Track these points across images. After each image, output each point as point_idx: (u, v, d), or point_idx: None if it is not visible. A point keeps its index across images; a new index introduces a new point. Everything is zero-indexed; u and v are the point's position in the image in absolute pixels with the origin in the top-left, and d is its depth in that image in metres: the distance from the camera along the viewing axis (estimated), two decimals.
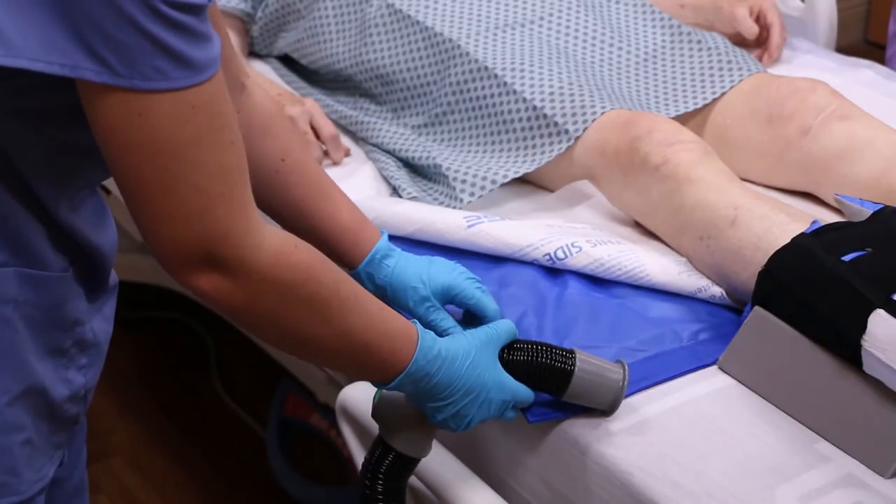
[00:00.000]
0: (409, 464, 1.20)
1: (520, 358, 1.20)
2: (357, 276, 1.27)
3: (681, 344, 1.35)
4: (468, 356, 1.13)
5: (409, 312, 1.27)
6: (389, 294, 1.27)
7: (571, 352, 1.21)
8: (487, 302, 1.28)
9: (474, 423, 1.16)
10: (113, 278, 1.11)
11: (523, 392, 1.18)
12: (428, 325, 1.26)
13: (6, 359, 0.98)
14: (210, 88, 0.90)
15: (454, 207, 1.58)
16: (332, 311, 1.02)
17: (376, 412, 1.19)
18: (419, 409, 1.16)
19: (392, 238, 1.51)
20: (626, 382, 1.21)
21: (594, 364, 1.21)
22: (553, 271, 1.45)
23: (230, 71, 1.17)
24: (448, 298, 1.28)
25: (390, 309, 1.09)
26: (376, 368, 1.08)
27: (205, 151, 0.91)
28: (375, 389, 1.19)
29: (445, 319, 1.27)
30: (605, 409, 1.23)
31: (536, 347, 1.20)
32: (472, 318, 1.30)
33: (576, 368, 1.20)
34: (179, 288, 2.40)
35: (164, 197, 0.91)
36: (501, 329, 1.18)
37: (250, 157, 1.19)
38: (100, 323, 1.08)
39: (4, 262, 0.96)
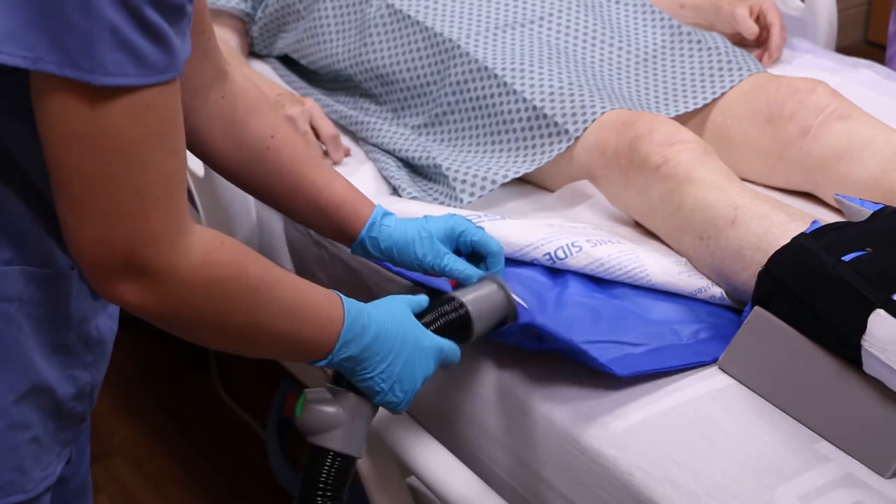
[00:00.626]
0: (347, 465, 1.17)
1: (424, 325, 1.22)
2: (361, 245, 1.29)
3: (681, 342, 1.35)
4: (392, 312, 1.14)
5: (419, 266, 1.29)
6: (396, 254, 1.28)
7: (452, 297, 1.24)
8: (489, 239, 1.31)
9: (417, 386, 1.16)
10: None
11: (447, 344, 1.19)
12: (442, 271, 1.28)
13: (11, 357, 0.98)
14: (166, 92, 0.89)
15: (454, 207, 1.58)
16: (264, 296, 1.01)
17: (304, 420, 1.16)
18: (347, 402, 1.16)
19: None
20: (507, 289, 1.25)
21: (474, 293, 1.25)
22: (553, 271, 1.45)
23: (213, 60, 1.17)
24: (452, 241, 1.30)
25: (310, 282, 1.09)
26: (314, 342, 1.08)
27: (151, 153, 0.89)
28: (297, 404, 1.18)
29: (458, 262, 1.28)
30: (508, 321, 1.26)
31: (429, 312, 1.22)
32: (475, 260, 1.32)
33: (468, 308, 1.24)
34: None
35: (101, 195, 0.89)
36: (413, 298, 1.20)
37: (240, 139, 1.21)
38: (105, 321, 1.08)
39: (9, 260, 0.97)
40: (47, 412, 1.02)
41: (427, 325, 1.20)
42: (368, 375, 1.12)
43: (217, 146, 1.21)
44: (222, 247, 0.98)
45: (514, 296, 1.27)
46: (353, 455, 1.17)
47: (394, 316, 1.14)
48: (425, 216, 1.31)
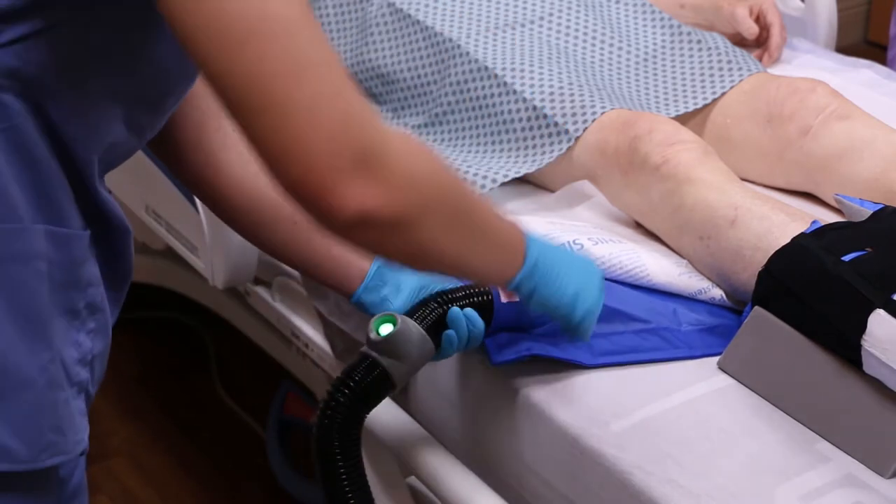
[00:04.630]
0: (385, 385, 1.22)
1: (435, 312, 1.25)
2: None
3: (679, 328, 1.36)
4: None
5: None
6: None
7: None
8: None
9: (596, 306, 1.19)
10: (129, 267, 1.11)
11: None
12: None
13: (44, 315, 0.98)
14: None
15: None
16: (468, 195, 0.98)
17: (387, 342, 1.21)
18: (423, 351, 1.22)
19: None
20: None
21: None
22: None
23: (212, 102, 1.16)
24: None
25: None
26: (512, 250, 1.09)
27: (315, 30, 0.84)
28: (377, 319, 1.22)
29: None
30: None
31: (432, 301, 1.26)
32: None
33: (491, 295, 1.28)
34: (180, 288, 2.40)
35: (300, 79, 0.82)
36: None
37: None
38: (108, 293, 1.08)
39: (35, 219, 0.96)
40: (64, 375, 1.02)
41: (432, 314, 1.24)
42: (557, 284, 1.13)
43: (237, 173, 1.20)
44: (418, 140, 0.94)
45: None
46: (391, 377, 1.22)
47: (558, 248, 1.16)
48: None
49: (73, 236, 1.00)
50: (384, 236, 0.90)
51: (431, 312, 1.25)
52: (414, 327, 1.23)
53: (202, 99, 1.15)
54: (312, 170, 0.83)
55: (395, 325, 1.22)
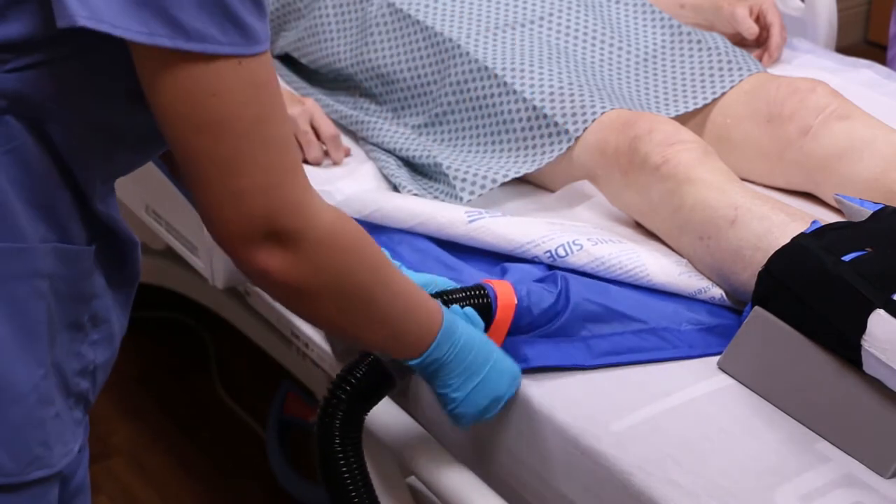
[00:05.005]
0: (385, 382, 1.24)
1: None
2: None
3: (678, 328, 1.36)
4: (478, 332, 1.19)
5: None
6: None
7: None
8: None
9: (487, 405, 1.20)
10: (136, 272, 1.13)
11: (518, 372, 1.24)
12: None
13: (40, 333, 1.00)
14: (267, 63, 0.93)
15: (454, 203, 1.58)
16: (382, 276, 1.07)
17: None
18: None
19: (392, 232, 1.51)
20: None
21: None
22: (554, 269, 1.45)
23: None
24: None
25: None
26: (415, 334, 1.13)
27: (270, 127, 0.93)
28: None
29: None
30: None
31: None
32: None
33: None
34: (180, 288, 2.40)
35: (233, 176, 0.93)
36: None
37: None
38: (110, 303, 1.08)
39: (45, 237, 0.99)
40: (61, 388, 1.03)
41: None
42: (448, 383, 1.17)
43: None
44: (348, 219, 1.04)
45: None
46: (392, 376, 1.24)
47: (478, 336, 1.19)
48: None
49: (77, 252, 1.02)
50: (286, 298, 1.03)
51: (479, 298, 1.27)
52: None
53: None
54: (228, 238, 0.97)
55: None
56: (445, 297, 1.27)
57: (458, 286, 1.31)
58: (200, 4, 0.87)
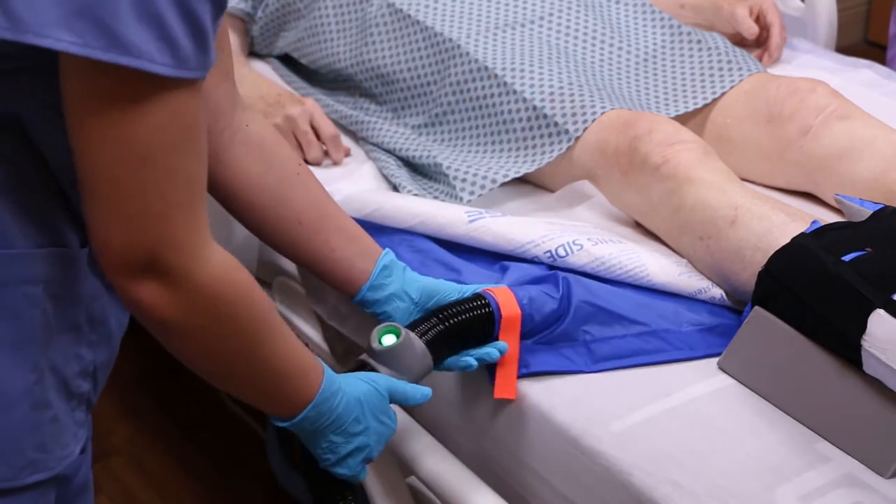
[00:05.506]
0: None
1: (438, 328, 1.25)
2: (387, 268, 1.30)
3: (679, 329, 1.36)
4: (366, 394, 1.16)
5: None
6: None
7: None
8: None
9: (359, 466, 1.18)
10: None
11: (411, 391, 1.21)
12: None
13: (34, 337, 1.00)
14: (193, 95, 0.91)
15: (454, 202, 1.58)
16: (261, 335, 1.04)
17: (389, 353, 1.21)
18: (423, 366, 1.22)
19: (392, 232, 1.51)
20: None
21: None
22: (554, 268, 1.45)
23: (231, 83, 1.19)
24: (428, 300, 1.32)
25: (301, 343, 1.11)
26: (286, 399, 1.10)
27: (178, 159, 0.92)
28: (381, 329, 1.22)
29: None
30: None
31: (439, 317, 1.26)
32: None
33: (490, 308, 1.27)
34: None
35: (129, 199, 0.91)
36: (396, 384, 1.20)
37: (269, 164, 1.24)
38: (110, 304, 1.08)
39: (38, 243, 0.99)
40: (60, 391, 1.04)
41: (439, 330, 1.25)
42: (320, 446, 1.15)
43: (243, 170, 1.22)
44: (239, 270, 1.00)
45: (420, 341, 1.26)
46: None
47: (364, 400, 1.16)
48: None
49: (72, 255, 1.02)
50: (155, 331, 0.99)
51: (434, 328, 1.25)
52: (416, 342, 1.23)
53: (210, 99, 1.16)
54: (108, 259, 0.94)
55: (398, 336, 1.22)
56: (447, 313, 1.26)
57: (460, 294, 1.31)
58: (140, 19, 0.85)
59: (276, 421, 1.12)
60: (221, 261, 0.98)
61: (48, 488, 1.05)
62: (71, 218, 1.01)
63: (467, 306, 1.27)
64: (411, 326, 1.25)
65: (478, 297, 1.29)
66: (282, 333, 1.07)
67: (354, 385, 1.15)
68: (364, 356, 1.23)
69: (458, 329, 1.26)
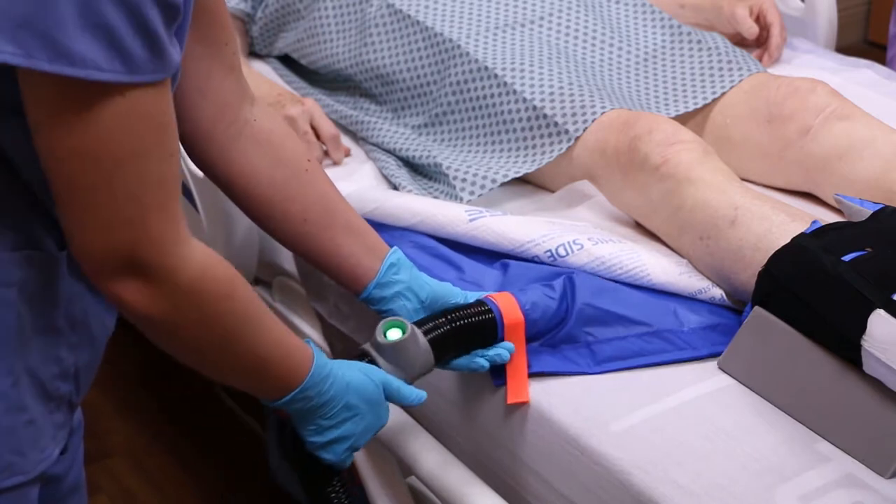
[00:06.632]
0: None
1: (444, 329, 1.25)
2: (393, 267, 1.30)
3: (681, 328, 1.36)
4: (359, 381, 1.16)
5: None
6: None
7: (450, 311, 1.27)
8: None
9: (344, 451, 1.18)
10: None
11: (406, 391, 1.21)
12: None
13: (9, 341, 1.00)
14: (157, 95, 0.91)
15: (454, 201, 1.58)
16: (245, 326, 1.05)
17: (394, 348, 1.21)
18: (424, 364, 1.22)
19: (393, 228, 1.51)
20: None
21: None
22: (554, 268, 1.45)
23: (238, 76, 1.18)
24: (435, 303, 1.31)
25: (289, 330, 1.12)
26: (275, 383, 1.11)
27: (147, 161, 0.92)
28: (387, 322, 1.22)
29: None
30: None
31: (446, 318, 1.26)
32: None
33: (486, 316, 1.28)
34: None
35: (101, 205, 0.92)
36: (376, 375, 1.20)
37: (278, 158, 1.23)
38: (91, 304, 1.08)
39: (14, 245, 0.99)
40: (38, 394, 1.03)
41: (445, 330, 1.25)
42: (307, 428, 1.16)
43: (250, 164, 1.22)
44: (220, 264, 1.02)
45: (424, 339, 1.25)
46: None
47: (356, 388, 1.16)
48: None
49: (46, 258, 1.01)
50: (143, 327, 1.00)
51: (439, 328, 1.25)
52: (421, 339, 1.23)
53: (218, 93, 1.16)
54: (89, 262, 0.95)
55: (404, 332, 1.22)
56: (453, 315, 1.26)
57: (464, 299, 1.31)
58: (84, 28, 0.85)
59: (264, 401, 1.13)
60: (201, 257, 0.99)
61: (27, 490, 1.04)
62: (46, 221, 1.01)
63: (471, 311, 1.27)
64: (418, 323, 1.25)
65: (479, 303, 1.29)
66: (266, 322, 1.08)
67: (348, 372, 1.16)
68: (367, 346, 1.23)
69: (462, 332, 1.26)
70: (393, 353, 1.21)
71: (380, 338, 1.22)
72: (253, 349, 1.07)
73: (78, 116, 0.88)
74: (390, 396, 1.20)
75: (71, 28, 0.85)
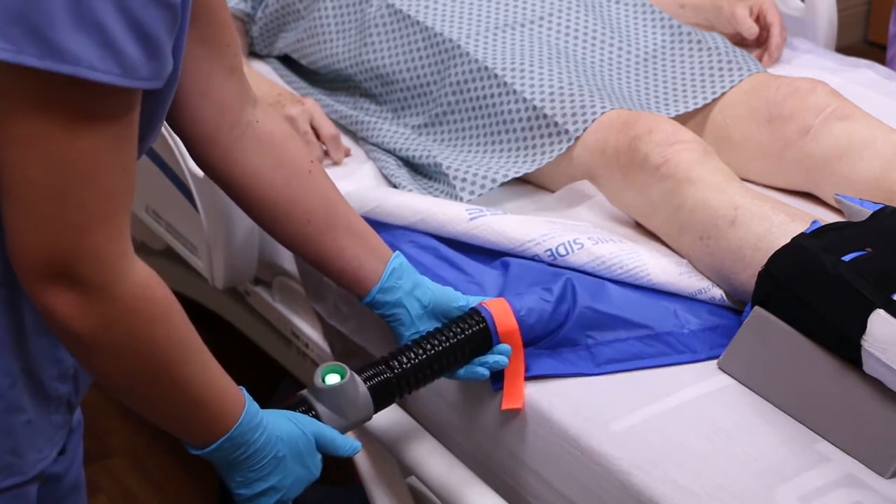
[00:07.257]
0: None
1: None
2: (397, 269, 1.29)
3: (682, 330, 1.36)
4: (290, 433, 1.12)
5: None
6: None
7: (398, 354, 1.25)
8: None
9: (288, 495, 1.13)
10: None
11: (340, 442, 1.16)
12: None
13: (8, 342, 0.99)
14: (135, 102, 0.90)
15: (454, 200, 1.58)
16: (178, 356, 1.00)
17: (330, 393, 1.18)
18: (362, 411, 1.19)
19: (394, 228, 1.51)
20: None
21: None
22: (554, 266, 1.45)
23: (240, 78, 1.18)
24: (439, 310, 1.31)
25: (224, 372, 1.06)
26: (202, 426, 1.05)
27: (100, 169, 0.90)
28: (326, 367, 1.19)
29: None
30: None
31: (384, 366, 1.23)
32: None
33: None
34: (179, 288, 2.40)
35: (45, 203, 0.89)
36: (308, 426, 1.15)
37: (280, 159, 1.22)
38: None
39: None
40: (36, 394, 1.03)
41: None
42: (234, 480, 1.10)
43: (253, 166, 1.21)
44: (160, 287, 0.97)
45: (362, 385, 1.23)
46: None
47: (287, 439, 1.11)
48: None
49: None
50: (66, 342, 0.96)
51: (381, 374, 1.22)
52: (361, 387, 1.20)
53: (220, 95, 1.16)
54: (23, 265, 0.91)
55: (342, 377, 1.19)
56: (438, 333, 1.26)
57: (465, 302, 1.30)
58: (78, 27, 0.84)
59: (189, 448, 1.07)
60: (141, 277, 0.95)
61: (25, 489, 1.04)
62: None
63: (465, 325, 1.27)
64: (360, 369, 1.22)
65: (473, 312, 1.29)
66: (201, 357, 1.03)
67: (279, 423, 1.11)
68: (305, 392, 1.20)
69: (457, 348, 1.26)
70: (330, 398, 1.18)
71: (318, 382, 1.19)
72: (185, 383, 1.01)
73: (52, 112, 0.86)
74: (323, 448, 1.15)
75: (63, 25, 0.83)
